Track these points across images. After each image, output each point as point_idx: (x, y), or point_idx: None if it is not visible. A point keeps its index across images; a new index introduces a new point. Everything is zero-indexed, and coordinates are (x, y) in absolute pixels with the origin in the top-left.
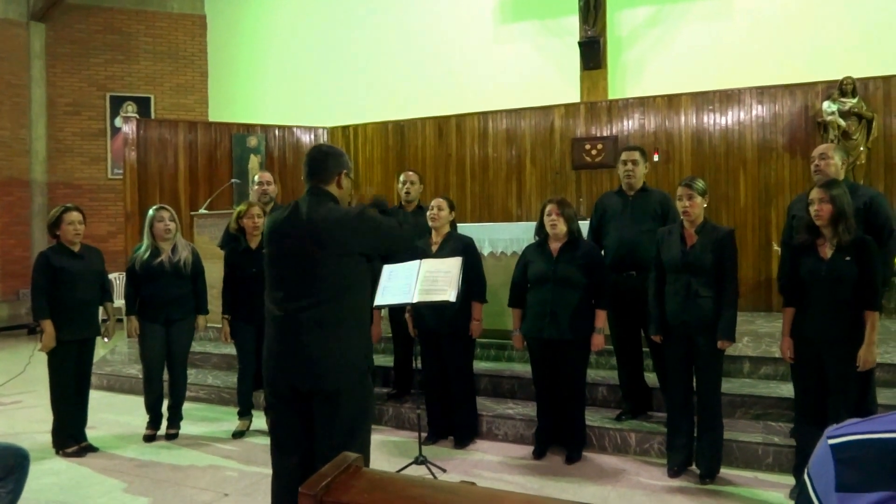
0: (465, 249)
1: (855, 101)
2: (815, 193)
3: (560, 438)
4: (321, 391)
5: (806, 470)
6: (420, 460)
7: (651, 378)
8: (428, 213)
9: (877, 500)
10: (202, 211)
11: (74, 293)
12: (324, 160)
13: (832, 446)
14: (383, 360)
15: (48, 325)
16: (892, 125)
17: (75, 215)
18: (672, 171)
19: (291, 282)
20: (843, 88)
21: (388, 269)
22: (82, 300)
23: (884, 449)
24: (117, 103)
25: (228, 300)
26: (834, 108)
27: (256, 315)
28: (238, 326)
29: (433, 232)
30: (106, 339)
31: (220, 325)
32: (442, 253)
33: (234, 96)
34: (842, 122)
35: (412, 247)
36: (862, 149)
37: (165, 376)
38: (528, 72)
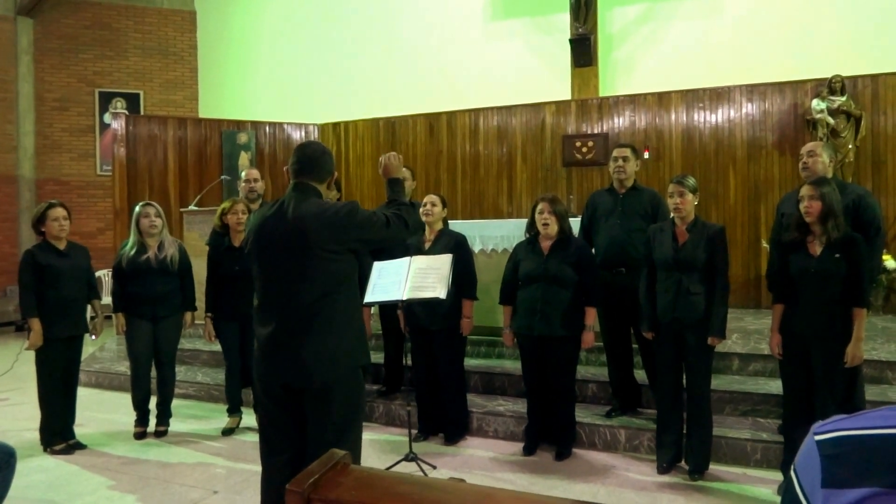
0: (458, 246)
1: (844, 99)
2: (804, 190)
3: (550, 435)
4: (312, 388)
5: (792, 466)
6: (410, 457)
7: (641, 375)
8: (421, 210)
9: (862, 496)
10: (192, 207)
11: (61, 291)
12: (320, 158)
13: (818, 442)
14: (373, 356)
15: (36, 324)
16: (880, 123)
17: (60, 211)
18: (662, 169)
19: (280, 279)
20: (832, 86)
21: (377, 267)
22: (69, 298)
23: (870, 445)
24: (106, 99)
25: (211, 298)
26: (823, 105)
27: (239, 313)
28: (222, 324)
29: (427, 228)
30: (93, 337)
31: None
32: (435, 249)
33: (224, 92)
34: (830, 120)
35: (402, 242)
36: (850, 147)
37: (154, 373)
38: (519, 69)
